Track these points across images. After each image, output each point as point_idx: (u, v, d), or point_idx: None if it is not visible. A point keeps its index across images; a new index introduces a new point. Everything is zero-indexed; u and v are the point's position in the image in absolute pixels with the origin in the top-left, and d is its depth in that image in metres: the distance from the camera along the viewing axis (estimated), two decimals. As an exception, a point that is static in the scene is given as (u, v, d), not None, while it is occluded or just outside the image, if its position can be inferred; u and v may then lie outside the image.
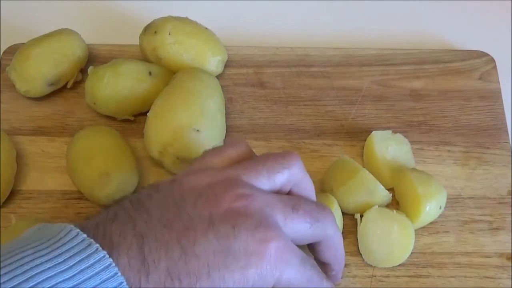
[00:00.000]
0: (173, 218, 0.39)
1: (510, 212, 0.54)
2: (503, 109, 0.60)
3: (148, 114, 0.55)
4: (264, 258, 0.39)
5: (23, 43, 0.59)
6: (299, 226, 0.42)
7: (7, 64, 0.60)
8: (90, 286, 0.34)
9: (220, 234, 0.38)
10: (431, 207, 0.51)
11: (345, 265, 0.51)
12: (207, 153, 0.45)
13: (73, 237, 0.36)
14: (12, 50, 0.61)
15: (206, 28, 0.61)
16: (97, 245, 0.36)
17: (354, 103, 0.60)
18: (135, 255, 0.36)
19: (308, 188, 0.45)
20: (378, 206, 0.51)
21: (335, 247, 0.46)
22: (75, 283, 0.34)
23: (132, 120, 0.58)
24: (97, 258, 0.35)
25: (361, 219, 0.52)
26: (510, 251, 0.52)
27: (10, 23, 0.68)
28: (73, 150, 0.54)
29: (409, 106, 0.60)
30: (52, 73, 0.58)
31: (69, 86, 0.60)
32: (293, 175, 0.44)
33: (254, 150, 0.57)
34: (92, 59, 0.62)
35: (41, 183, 0.55)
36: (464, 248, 0.53)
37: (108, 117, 0.58)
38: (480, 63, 0.63)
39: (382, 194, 0.52)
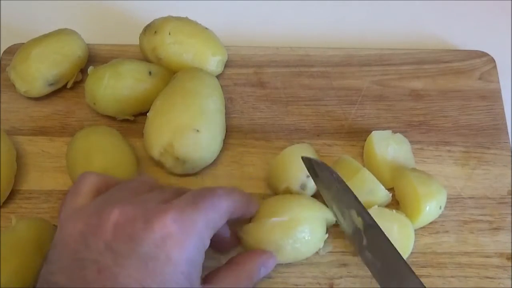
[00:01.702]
0: (84, 274, 0.40)
1: (510, 212, 0.54)
2: (503, 109, 0.60)
3: (148, 114, 0.55)
4: (172, 236, 0.41)
5: (23, 43, 0.59)
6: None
7: (7, 64, 0.60)
8: None
9: (125, 252, 0.40)
10: (431, 207, 0.51)
11: (345, 265, 0.51)
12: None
13: None
14: (12, 50, 0.61)
15: (206, 28, 0.61)
16: None
17: (354, 103, 0.60)
18: None
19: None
20: (378, 206, 0.51)
21: (239, 211, 0.47)
22: None
23: (132, 120, 0.58)
24: None
25: None
26: (510, 251, 0.52)
27: (10, 23, 0.68)
28: (73, 150, 0.54)
29: (409, 106, 0.60)
30: (52, 73, 0.58)
31: (69, 86, 0.60)
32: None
33: (254, 150, 0.57)
34: (92, 59, 0.62)
35: (41, 183, 0.55)
36: (464, 248, 0.53)
37: (108, 117, 0.58)
38: (480, 63, 0.63)
39: (382, 194, 0.52)
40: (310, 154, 0.53)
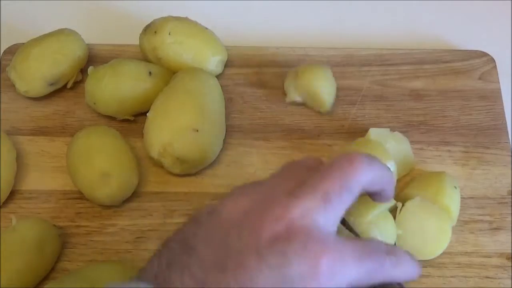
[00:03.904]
0: (224, 258, 0.39)
1: (510, 212, 0.54)
2: (503, 109, 0.60)
3: (148, 114, 0.55)
4: (319, 277, 0.38)
5: (23, 43, 0.59)
6: (341, 209, 0.41)
7: (7, 64, 0.60)
8: None
9: (273, 265, 0.38)
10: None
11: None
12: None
13: None
14: (12, 50, 0.61)
15: (206, 28, 0.61)
16: None
17: (354, 103, 0.60)
18: None
19: (379, 185, 0.44)
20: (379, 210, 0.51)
21: (380, 181, 0.43)
22: None
23: (132, 120, 0.58)
24: None
25: (401, 208, 0.51)
26: (510, 251, 0.52)
27: (10, 23, 0.68)
28: (73, 150, 0.54)
29: (409, 106, 0.60)
30: (52, 73, 0.58)
31: (69, 86, 0.60)
32: (356, 191, 0.42)
33: (254, 150, 0.57)
34: (92, 59, 0.62)
35: (41, 183, 0.55)
36: (464, 248, 0.53)
37: (108, 117, 0.58)
38: (480, 63, 0.63)
39: None
40: None
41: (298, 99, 0.59)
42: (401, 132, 0.57)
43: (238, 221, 0.40)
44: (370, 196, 0.46)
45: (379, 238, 0.49)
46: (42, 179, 0.56)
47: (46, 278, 0.50)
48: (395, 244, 0.50)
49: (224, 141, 0.56)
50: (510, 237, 0.53)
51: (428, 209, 0.51)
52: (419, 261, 0.50)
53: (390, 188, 0.45)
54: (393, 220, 0.51)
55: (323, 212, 0.40)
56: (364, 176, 0.41)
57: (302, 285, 0.38)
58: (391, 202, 0.51)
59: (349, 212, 0.43)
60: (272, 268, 0.38)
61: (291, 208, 0.40)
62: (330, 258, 0.39)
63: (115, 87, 0.56)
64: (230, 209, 0.41)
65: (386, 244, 0.43)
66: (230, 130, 0.58)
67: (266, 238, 0.39)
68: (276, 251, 0.39)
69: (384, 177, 0.43)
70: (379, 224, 0.49)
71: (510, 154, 0.57)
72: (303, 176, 0.42)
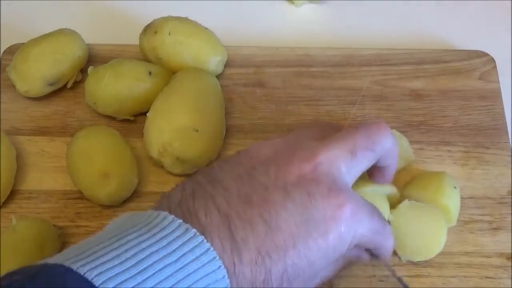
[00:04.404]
0: (249, 191, 0.40)
1: (510, 212, 0.54)
2: (503, 109, 0.60)
3: (148, 114, 0.55)
4: (342, 222, 0.40)
5: (23, 43, 0.59)
6: (362, 166, 0.44)
7: (7, 64, 0.60)
8: (193, 269, 0.36)
9: (297, 203, 0.40)
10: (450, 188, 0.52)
11: (345, 265, 0.51)
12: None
13: (169, 223, 0.37)
14: (12, 50, 0.61)
15: (206, 28, 0.61)
16: (194, 230, 0.37)
17: (354, 103, 0.60)
18: (225, 236, 0.38)
19: (391, 159, 0.47)
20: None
21: (392, 155, 0.46)
22: (180, 266, 0.36)
23: (132, 120, 0.58)
24: (197, 242, 0.37)
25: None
26: (510, 251, 0.52)
27: (10, 23, 0.68)
28: (73, 150, 0.54)
29: (409, 106, 0.60)
30: (52, 73, 0.58)
31: (69, 86, 0.60)
32: (378, 155, 0.45)
33: (254, 150, 0.57)
34: (92, 59, 0.62)
35: (41, 183, 0.55)
36: (464, 248, 0.53)
37: (108, 117, 0.58)
38: (480, 63, 0.63)
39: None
40: None
41: None
42: (401, 132, 0.57)
43: (266, 159, 0.42)
44: (373, 172, 0.48)
45: None
46: (42, 179, 0.56)
47: (46, 278, 0.50)
48: None
49: (224, 141, 0.56)
50: (510, 237, 0.53)
51: (420, 211, 0.51)
52: (417, 262, 0.51)
53: (394, 166, 0.48)
54: (388, 207, 0.51)
55: (348, 164, 0.42)
56: (387, 142, 0.44)
57: (322, 227, 0.40)
58: (390, 188, 0.52)
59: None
60: (296, 206, 0.40)
61: (320, 152, 0.42)
62: (352, 207, 0.41)
63: (115, 87, 0.56)
64: (258, 149, 0.43)
65: None
66: (230, 130, 0.58)
67: (293, 176, 0.41)
68: (303, 190, 0.40)
69: (395, 151, 0.46)
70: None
71: (510, 154, 0.57)
72: (329, 132, 0.45)
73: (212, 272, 0.36)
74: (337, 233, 0.40)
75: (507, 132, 0.59)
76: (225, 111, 0.57)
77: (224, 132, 0.56)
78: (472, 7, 0.70)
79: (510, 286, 0.51)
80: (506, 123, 0.59)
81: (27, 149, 0.57)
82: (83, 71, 0.60)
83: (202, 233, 0.37)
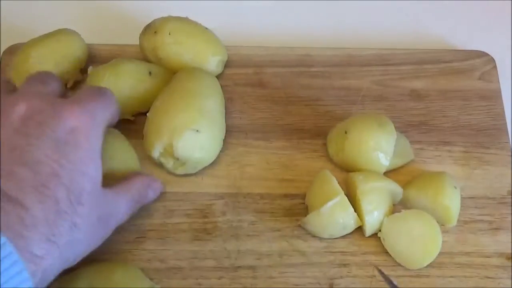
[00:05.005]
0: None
1: (510, 212, 0.54)
2: (503, 109, 0.60)
3: (148, 114, 0.55)
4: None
5: (23, 43, 0.59)
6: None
7: (7, 64, 0.60)
8: None
9: (36, 134, 0.43)
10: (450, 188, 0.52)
11: (345, 265, 0.51)
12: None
13: None
14: (12, 50, 0.61)
15: (206, 28, 0.61)
16: None
17: (354, 103, 0.60)
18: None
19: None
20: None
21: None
22: None
23: (132, 120, 0.58)
24: None
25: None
26: (510, 251, 0.53)
27: (10, 23, 0.68)
28: (73, 150, 0.54)
29: (409, 106, 0.60)
30: (52, 73, 0.58)
31: (69, 86, 0.60)
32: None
33: (254, 150, 0.57)
34: (92, 59, 0.62)
35: (41, 183, 0.55)
36: (464, 248, 0.53)
37: (108, 117, 0.58)
38: (480, 63, 0.63)
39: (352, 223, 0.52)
40: None
41: None
42: (401, 132, 0.57)
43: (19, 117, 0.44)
44: None
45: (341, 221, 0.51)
46: (42, 179, 0.55)
47: (46, 278, 0.50)
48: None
49: (224, 141, 0.56)
50: (510, 237, 0.53)
51: (413, 221, 0.51)
52: (387, 268, 0.51)
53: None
54: (391, 203, 0.52)
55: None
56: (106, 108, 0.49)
57: (74, 140, 0.44)
58: (396, 187, 0.53)
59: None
60: (38, 138, 0.43)
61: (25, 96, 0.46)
62: (79, 107, 0.46)
63: (115, 87, 0.56)
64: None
65: None
66: (230, 130, 0.58)
67: (16, 119, 0.44)
68: (32, 123, 0.43)
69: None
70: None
71: (510, 154, 0.57)
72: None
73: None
74: (86, 136, 0.45)
75: (507, 132, 0.59)
76: (225, 111, 0.57)
77: (224, 132, 0.56)
78: (472, 7, 0.70)
79: (510, 286, 0.51)
80: (506, 123, 0.59)
81: (27, 149, 0.57)
82: (83, 71, 0.60)
83: None
